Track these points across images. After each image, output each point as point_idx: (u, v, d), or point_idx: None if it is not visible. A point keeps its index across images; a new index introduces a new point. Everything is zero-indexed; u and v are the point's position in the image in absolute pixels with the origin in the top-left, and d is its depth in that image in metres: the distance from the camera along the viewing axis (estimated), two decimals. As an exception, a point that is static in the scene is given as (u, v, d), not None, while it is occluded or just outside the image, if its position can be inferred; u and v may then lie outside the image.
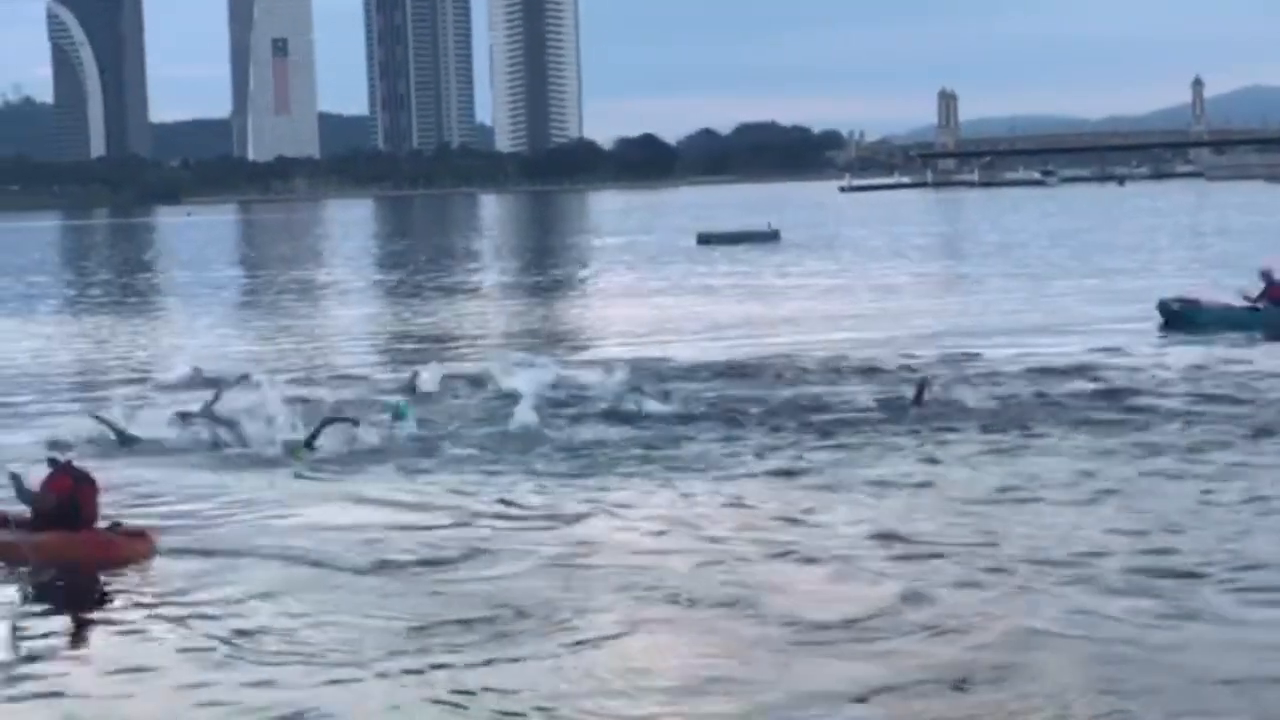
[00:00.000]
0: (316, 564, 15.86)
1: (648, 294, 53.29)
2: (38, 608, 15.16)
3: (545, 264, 75.95)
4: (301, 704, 11.76)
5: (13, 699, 12.23)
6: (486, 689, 11.87)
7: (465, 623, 13.48)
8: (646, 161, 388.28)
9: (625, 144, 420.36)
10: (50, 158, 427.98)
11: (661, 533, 16.72)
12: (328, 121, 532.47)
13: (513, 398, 25.56)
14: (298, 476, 20.82)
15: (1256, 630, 12.87)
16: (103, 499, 16.87)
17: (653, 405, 25.05)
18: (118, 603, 15.03)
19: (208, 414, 24.12)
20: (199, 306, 54.78)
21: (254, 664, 12.70)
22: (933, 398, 24.45)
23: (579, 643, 12.90)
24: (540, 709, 11.45)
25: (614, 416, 24.36)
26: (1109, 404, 24.33)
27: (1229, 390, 25.41)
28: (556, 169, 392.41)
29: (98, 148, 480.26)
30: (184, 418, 24.20)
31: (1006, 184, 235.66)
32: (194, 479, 20.84)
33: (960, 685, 11.63)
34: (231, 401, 24.64)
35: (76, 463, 17.15)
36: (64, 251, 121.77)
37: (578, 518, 17.65)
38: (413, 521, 17.72)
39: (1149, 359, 29.78)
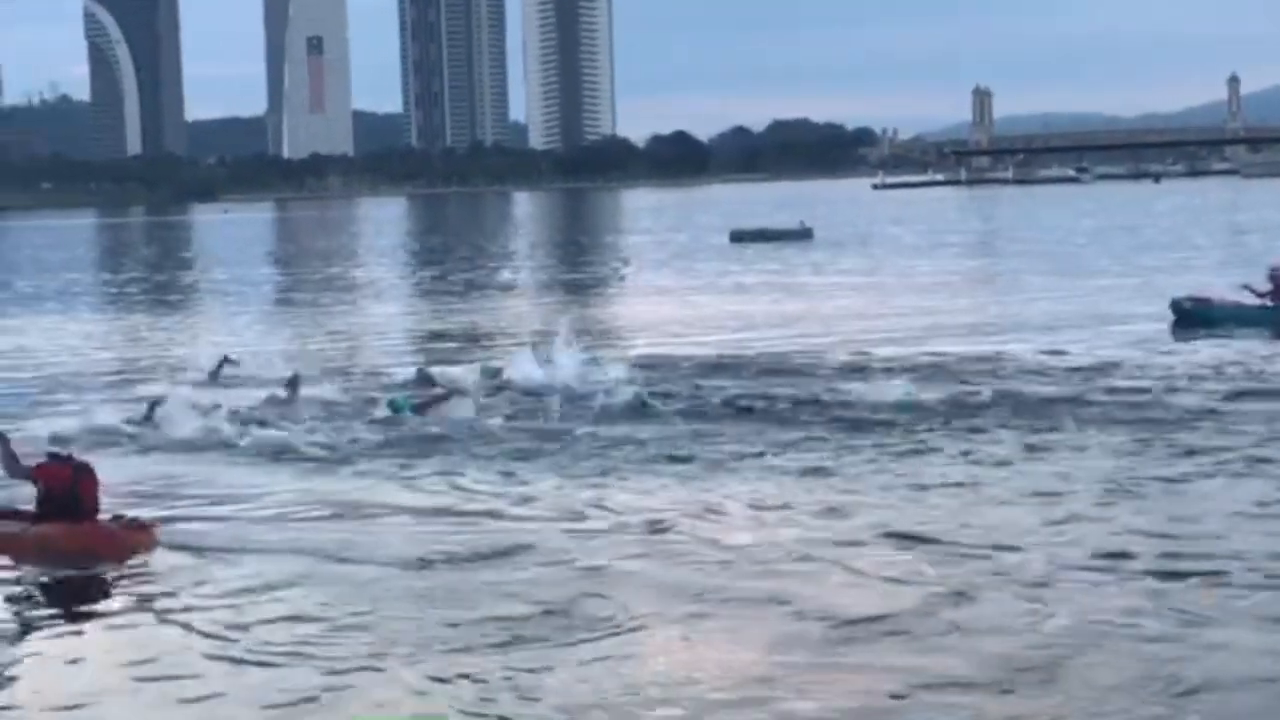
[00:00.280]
0: (340, 560, 15.84)
1: (680, 292, 53.24)
2: (40, 600, 15.23)
3: (578, 262, 76.04)
4: (320, 702, 11.71)
5: (12, 699, 12.18)
6: (511, 689, 11.79)
7: (490, 622, 13.40)
8: (679, 159, 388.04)
9: (658, 141, 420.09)
10: (87, 156, 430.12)
11: (693, 530, 16.68)
12: (362, 119, 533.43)
13: (534, 394, 25.71)
14: (314, 472, 20.86)
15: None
16: (127, 491, 16.92)
17: (681, 403, 25.17)
18: (134, 596, 14.98)
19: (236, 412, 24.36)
20: (242, 304, 55.00)
21: (271, 662, 12.65)
22: (938, 400, 24.35)
23: (609, 643, 12.82)
24: (565, 709, 11.41)
25: (642, 413, 24.34)
26: (1137, 402, 24.27)
27: (1249, 386, 25.47)
28: (590, 167, 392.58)
29: (134, 146, 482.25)
30: (232, 414, 24.38)
31: (1040, 181, 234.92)
32: (216, 474, 20.93)
33: (1004, 686, 11.55)
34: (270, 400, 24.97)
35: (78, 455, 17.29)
36: (102, 249, 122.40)
37: (605, 515, 17.59)
38: (435, 519, 17.70)
39: (1176, 357, 29.82)
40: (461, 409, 24.39)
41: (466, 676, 12.07)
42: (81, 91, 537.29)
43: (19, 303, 58.37)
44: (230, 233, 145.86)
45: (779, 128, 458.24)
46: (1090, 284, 49.86)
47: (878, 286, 52.76)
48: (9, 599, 15.07)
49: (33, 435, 21.39)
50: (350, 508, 18.44)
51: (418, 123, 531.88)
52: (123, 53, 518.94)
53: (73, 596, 15.33)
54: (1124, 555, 15.04)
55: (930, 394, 25.29)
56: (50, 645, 13.63)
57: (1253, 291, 35.36)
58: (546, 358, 29.26)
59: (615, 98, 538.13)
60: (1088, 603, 13.48)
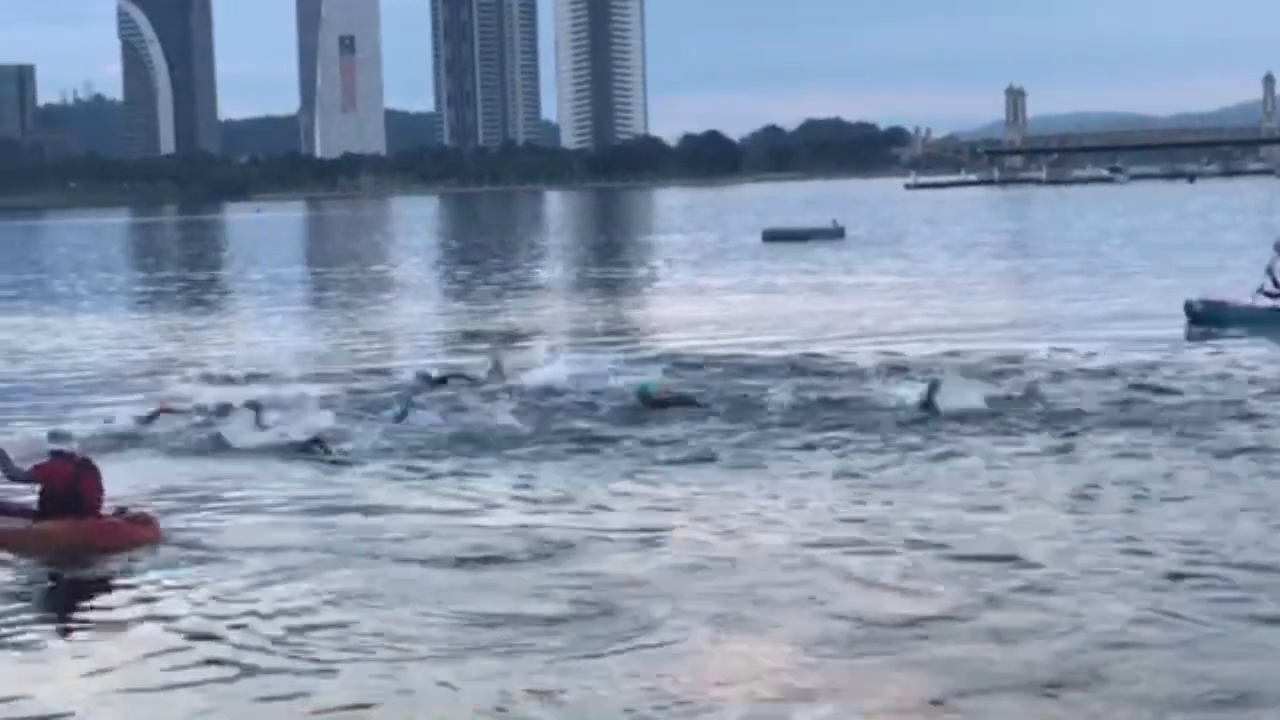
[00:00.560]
0: (371, 557, 15.85)
1: (713, 291, 53.25)
2: (41, 599, 15.28)
3: (610, 261, 76.09)
4: (356, 700, 11.70)
5: (13, 698, 12.17)
6: (537, 691, 11.75)
7: (523, 620, 13.37)
8: (711, 158, 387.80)
9: (690, 140, 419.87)
10: (120, 155, 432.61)
11: (721, 531, 16.63)
12: (394, 118, 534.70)
13: (555, 393, 25.75)
14: (329, 471, 20.90)
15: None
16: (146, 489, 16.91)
17: (711, 402, 25.15)
18: (136, 595, 14.97)
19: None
20: (276, 302, 55.19)
21: (309, 658, 12.63)
22: (943, 403, 24.13)
23: (640, 643, 12.76)
24: (594, 712, 11.39)
25: (675, 413, 24.32)
26: (1168, 404, 24.23)
27: (1276, 387, 25.51)
28: (621, 166, 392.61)
29: (167, 145, 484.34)
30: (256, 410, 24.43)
31: (1074, 181, 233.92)
32: (237, 472, 20.93)
33: (1044, 691, 11.47)
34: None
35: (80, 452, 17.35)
36: (137, 248, 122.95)
37: (631, 515, 17.54)
38: (465, 518, 17.67)
39: (1197, 357, 30.01)
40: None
41: (494, 677, 12.04)
42: (115, 91, 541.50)
43: (56, 301, 58.70)
44: (263, 232, 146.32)
45: (811, 127, 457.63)
46: (1123, 285, 49.69)
47: (909, 286, 52.60)
48: (12, 596, 15.12)
49: (33, 436, 21.40)
50: (366, 507, 18.44)
51: (450, 122, 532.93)
52: (156, 52, 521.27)
53: (77, 593, 15.38)
54: (1159, 557, 14.97)
55: (961, 395, 25.24)
56: (52, 644, 13.65)
57: (1266, 293, 35.36)
58: (567, 357, 29.26)
59: (647, 96, 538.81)
60: (1124, 606, 13.39)
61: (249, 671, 12.45)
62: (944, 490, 18.48)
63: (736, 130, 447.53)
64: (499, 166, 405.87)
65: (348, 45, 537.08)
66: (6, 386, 31.83)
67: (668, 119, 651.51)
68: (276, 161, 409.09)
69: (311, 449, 21.93)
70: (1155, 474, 18.95)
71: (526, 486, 19.32)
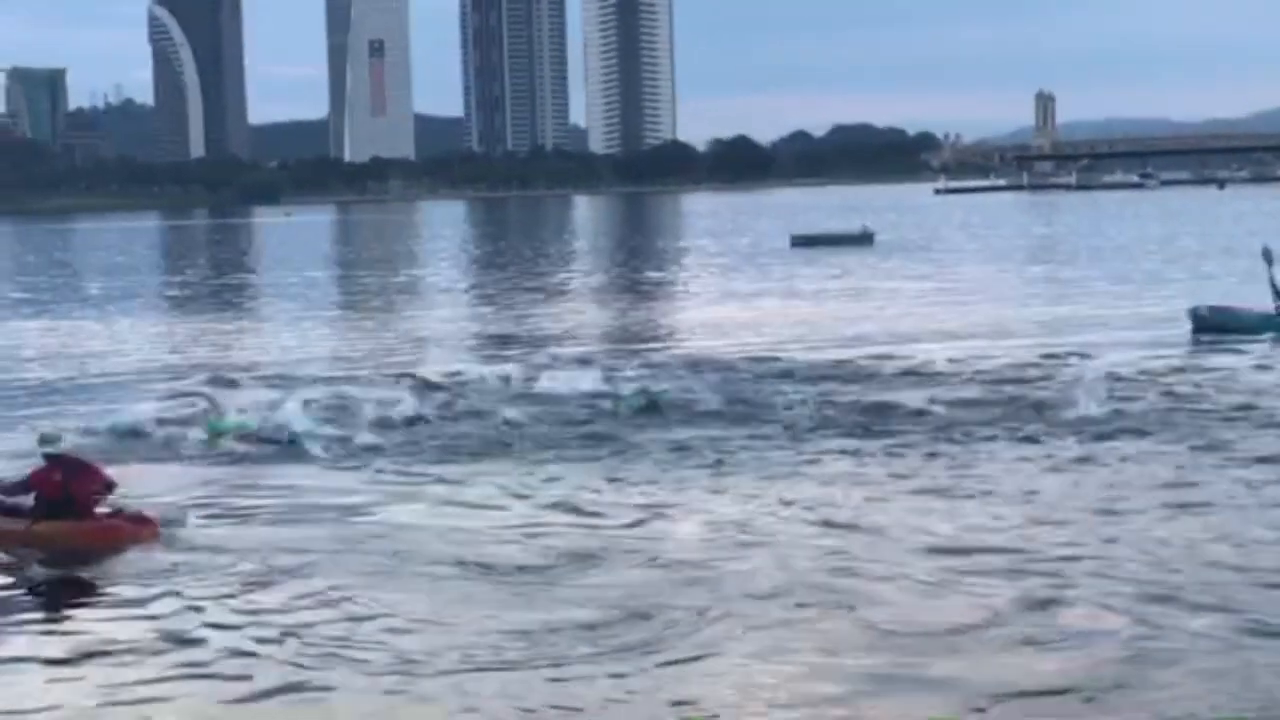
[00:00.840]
0: (398, 560, 15.86)
1: (741, 296, 53.21)
2: (42, 598, 15.36)
3: (639, 265, 76.05)
4: (367, 713, 11.67)
5: (13, 699, 12.20)
6: (568, 696, 11.72)
7: (549, 628, 13.31)
8: (740, 163, 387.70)
9: (719, 145, 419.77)
10: (151, 158, 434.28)
11: (755, 537, 16.57)
12: (423, 123, 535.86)
13: (577, 399, 25.80)
14: (347, 472, 20.95)
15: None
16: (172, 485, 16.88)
17: (740, 407, 25.19)
18: (138, 595, 14.98)
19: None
20: (309, 305, 55.35)
21: (340, 665, 12.59)
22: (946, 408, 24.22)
23: (679, 649, 12.75)
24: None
25: (700, 417, 24.37)
26: (1194, 410, 24.18)
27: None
28: (650, 171, 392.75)
29: (197, 149, 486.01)
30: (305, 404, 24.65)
31: (1104, 187, 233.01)
32: (271, 473, 21.09)
33: (1084, 697, 11.42)
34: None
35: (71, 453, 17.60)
36: (167, 251, 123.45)
37: (662, 521, 17.52)
38: (472, 522, 17.66)
39: (1212, 362, 30.08)
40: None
41: (510, 688, 11.98)
42: (146, 94, 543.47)
43: (91, 304, 58.99)
44: (294, 235, 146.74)
45: (840, 132, 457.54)
46: (1151, 293, 49.51)
47: (938, 291, 52.53)
48: (8, 597, 15.19)
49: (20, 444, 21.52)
50: (366, 507, 18.52)
51: (478, 126, 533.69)
52: (186, 56, 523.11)
53: (72, 594, 15.44)
54: (1200, 566, 14.91)
55: (991, 401, 25.27)
56: (48, 645, 13.65)
57: None
58: (590, 362, 29.30)
59: (676, 101, 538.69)
60: (1161, 612, 13.35)
61: (247, 675, 12.45)
62: (975, 496, 18.42)
63: (765, 135, 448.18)
64: (527, 171, 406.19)
65: (377, 49, 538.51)
66: (38, 388, 32.03)
67: (696, 123, 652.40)
68: (305, 165, 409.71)
69: (316, 449, 22.10)
70: (1177, 482, 18.87)
71: (538, 491, 19.26)
